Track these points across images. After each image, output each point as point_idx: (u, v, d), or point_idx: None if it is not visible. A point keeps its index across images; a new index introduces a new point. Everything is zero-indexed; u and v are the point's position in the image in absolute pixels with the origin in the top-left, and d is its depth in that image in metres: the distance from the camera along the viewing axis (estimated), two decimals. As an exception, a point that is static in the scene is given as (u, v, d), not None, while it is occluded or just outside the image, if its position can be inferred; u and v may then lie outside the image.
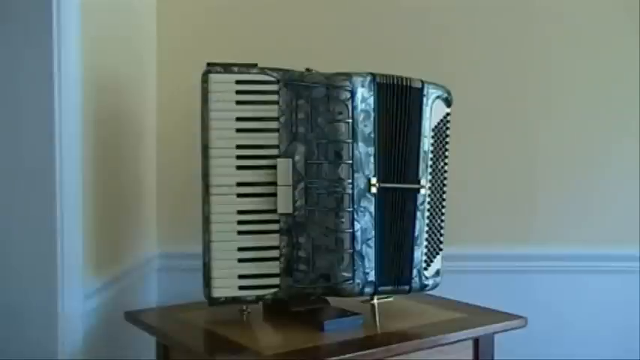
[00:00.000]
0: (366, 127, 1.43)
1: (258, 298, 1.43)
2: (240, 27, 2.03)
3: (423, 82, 1.51)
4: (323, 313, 1.49)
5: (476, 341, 1.52)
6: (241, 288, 1.41)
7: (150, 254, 2.00)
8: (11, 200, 1.34)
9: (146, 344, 1.62)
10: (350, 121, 1.40)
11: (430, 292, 1.57)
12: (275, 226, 1.42)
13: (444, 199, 1.57)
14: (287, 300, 1.46)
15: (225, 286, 1.40)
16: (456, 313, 1.58)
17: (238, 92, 1.41)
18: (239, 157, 1.41)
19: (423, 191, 1.51)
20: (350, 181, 1.40)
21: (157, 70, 2.04)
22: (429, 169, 1.52)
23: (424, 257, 1.52)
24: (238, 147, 1.41)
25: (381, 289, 1.45)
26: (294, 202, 1.41)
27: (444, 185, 1.57)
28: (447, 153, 1.56)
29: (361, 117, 1.42)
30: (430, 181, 1.53)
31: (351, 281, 1.40)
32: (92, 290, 1.52)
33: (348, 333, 1.40)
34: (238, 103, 1.41)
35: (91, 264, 1.53)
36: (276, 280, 1.42)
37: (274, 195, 1.41)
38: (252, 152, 1.41)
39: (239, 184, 1.41)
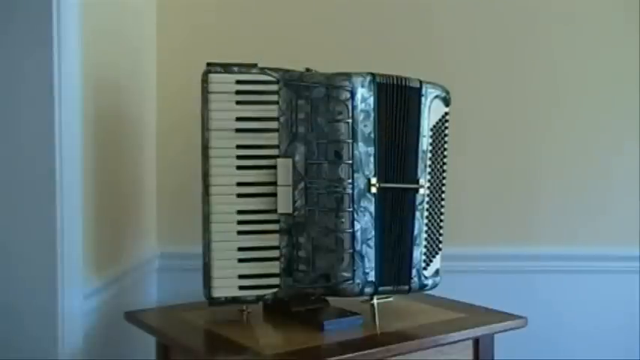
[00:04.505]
0: (366, 127, 1.43)
1: (258, 298, 1.43)
2: (240, 27, 2.03)
3: (421, 82, 1.51)
4: (323, 313, 1.49)
5: (476, 341, 1.52)
6: (241, 288, 1.41)
7: (150, 254, 2.00)
8: (11, 200, 1.34)
9: (146, 344, 1.62)
10: (350, 121, 1.40)
11: (430, 292, 1.57)
12: (275, 226, 1.42)
13: (442, 199, 1.57)
14: (287, 300, 1.46)
15: (225, 286, 1.40)
16: (456, 313, 1.58)
17: (238, 92, 1.41)
18: (239, 157, 1.41)
19: (422, 191, 1.51)
20: (350, 181, 1.40)
21: (157, 70, 2.04)
22: (428, 169, 1.53)
23: (423, 257, 1.52)
24: (238, 147, 1.41)
25: (380, 289, 1.45)
26: (294, 202, 1.41)
27: (443, 185, 1.57)
28: (445, 152, 1.56)
29: (361, 117, 1.42)
30: (429, 180, 1.53)
31: (351, 281, 1.40)
32: (92, 290, 1.52)
33: (348, 333, 1.40)
34: (238, 103, 1.41)
35: (91, 264, 1.53)
36: (276, 280, 1.43)
37: (274, 195, 1.41)
38: (252, 152, 1.41)
39: (239, 184, 1.41)
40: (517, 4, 2.08)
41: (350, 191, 1.40)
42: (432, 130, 1.53)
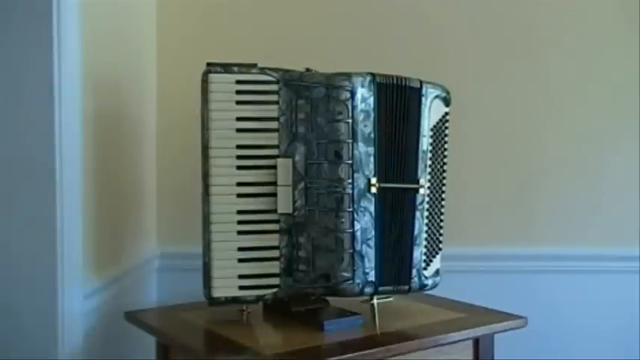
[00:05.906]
0: (366, 127, 1.43)
1: (258, 298, 1.43)
2: (240, 27, 2.03)
3: (421, 82, 1.51)
4: (323, 313, 1.49)
5: (476, 341, 1.52)
6: (241, 288, 1.41)
7: (150, 254, 2.00)
8: (11, 200, 1.34)
9: (146, 344, 1.62)
10: (350, 121, 1.40)
11: (430, 292, 1.57)
12: (275, 226, 1.42)
13: (442, 199, 1.57)
14: (287, 300, 1.46)
15: (225, 286, 1.40)
16: (456, 313, 1.58)
17: (238, 92, 1.41)
18: (239, 157, 1.41)
19: (422, 191, 1.51)
20: (350, 181, 1.40)
21: (157, 70, 2.04)
22: (428, 169, 1.53)
23: (423, 257, 1.52)
24: (238, 147, 1.41)
25: (380, 289, 1.45)
26: (294, 202, 1.41)
27: (443, 185, 1.57)
28: (445, 152, 1.56)
29: (361, 117, 1.42)
30: (429, 180, 1.53)
31: (351, 281, 1.40)
32: (92, 290, 1.52)
33: (348, 333, 1.40)
34: (238, 103, 1.41)
35: (91, 264, 1.53)
36: (276, 280, 1.43)
37: (274, 195, 1.41)
38: (252, 152, 1.41)
39: (239, 184, 1.41)
40: (517, 3, 2.08)
41: (350, 191, 1.40)
42: (432, 130, 1.53)
